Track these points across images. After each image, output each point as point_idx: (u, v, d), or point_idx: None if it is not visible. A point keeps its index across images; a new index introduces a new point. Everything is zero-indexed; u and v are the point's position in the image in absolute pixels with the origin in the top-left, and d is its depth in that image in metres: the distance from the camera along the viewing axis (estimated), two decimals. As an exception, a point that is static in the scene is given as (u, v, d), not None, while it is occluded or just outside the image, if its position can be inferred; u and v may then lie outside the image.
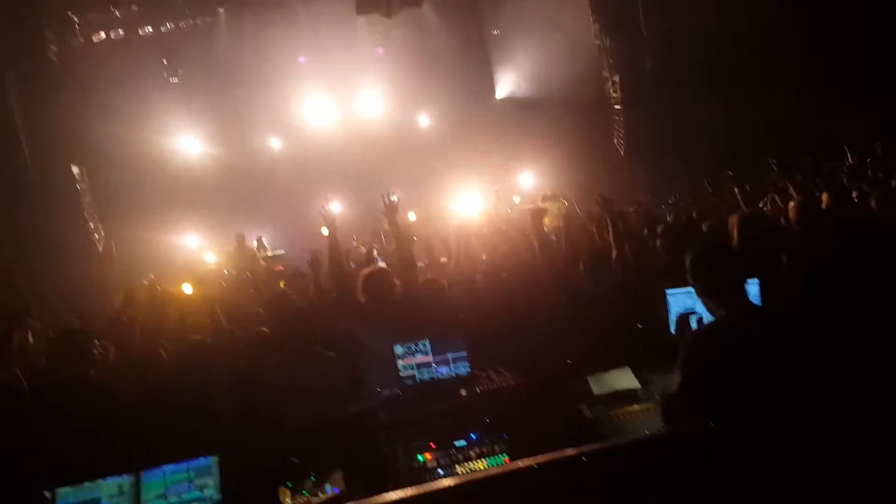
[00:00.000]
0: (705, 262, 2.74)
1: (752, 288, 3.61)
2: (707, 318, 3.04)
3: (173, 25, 12.73)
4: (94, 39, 12.50)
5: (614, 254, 4.82)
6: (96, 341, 4.04)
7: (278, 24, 12.95)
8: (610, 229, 5.15)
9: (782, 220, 5.16)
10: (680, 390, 2.58)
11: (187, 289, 7.46)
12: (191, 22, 12.71)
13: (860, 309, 3.36)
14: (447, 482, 1.97)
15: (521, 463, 2.01)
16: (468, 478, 2.19)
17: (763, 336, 2.59)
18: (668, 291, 3.73)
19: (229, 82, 13.47)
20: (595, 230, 6.02)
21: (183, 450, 2.93)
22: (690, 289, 3.69)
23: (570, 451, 2.02)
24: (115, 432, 3.41)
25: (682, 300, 3.68)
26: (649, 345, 3.60)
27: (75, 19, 12.35)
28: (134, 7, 12.39)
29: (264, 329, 4.80)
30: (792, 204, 4.64)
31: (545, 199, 13.09)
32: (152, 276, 7.43)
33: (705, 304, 2.81)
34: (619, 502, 2.05)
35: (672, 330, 3.55)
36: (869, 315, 3.29)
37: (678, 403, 2.59)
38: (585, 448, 2.04)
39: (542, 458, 1.99)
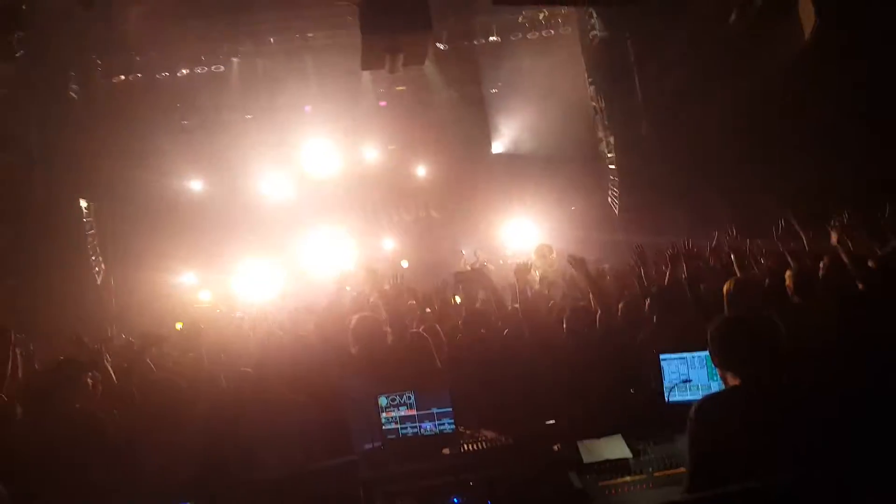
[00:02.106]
0: (720, 330, 2.70)
1: (755, 356, 3.55)
2: (703, 386, 2.97)
3: (188, 71, 13.16)
4: (114, 81, 12.98)
5: (598, 313, 4.76)
6: (90, 373, 3.94)
7: (287, 74, 13.44)
8: (589, 289, 5.11)
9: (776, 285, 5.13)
10: (694, 472, 2.49)
11: (178, 327, 7.39)
12: (205, 69, 13.15)
13: (866, 378, 3.31)
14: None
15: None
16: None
17: (771, 406, 2.53)
18: (663, 357, 3.65)
19: (238, 127, 13.90)
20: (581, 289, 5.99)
21: (157, 495, 2.80)
22: (686, 355, 3.62)
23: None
24: (93, 469, 3.28)
25: (677, 367, 3.61)
26: (643, 412, 3.50)
27: (98, 62, 12.85)
28: (153, 53, 12.82)
29: (248, 370, 4.69)
30: (788, 273, 4.61)
31: (538, 253, 13.15)
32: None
33: (722, 376, 2.74)
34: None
35: (667, 398, 3.47)
36: (877, 385, 3.24)
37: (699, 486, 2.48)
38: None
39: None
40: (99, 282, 11.66)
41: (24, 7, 6.97)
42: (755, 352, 2.65)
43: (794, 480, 2.24)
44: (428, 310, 6.65)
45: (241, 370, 4.76)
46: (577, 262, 5.12)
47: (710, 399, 2.64)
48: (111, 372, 4.61)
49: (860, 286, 4.18)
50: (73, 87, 11.83)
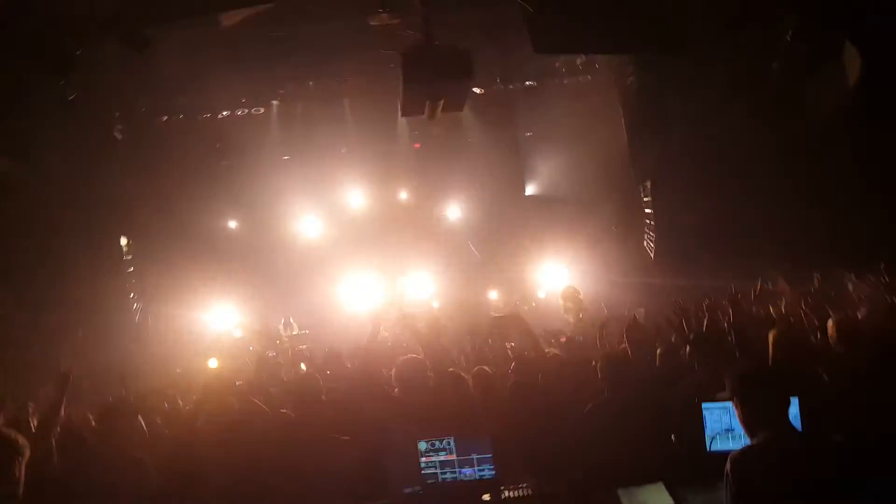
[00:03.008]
0: (752, 378, 2.68)
1: (792, 408, 3.49)
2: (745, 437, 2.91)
3: (229, 113, 13.53)
4: (156, 122, 13.34)
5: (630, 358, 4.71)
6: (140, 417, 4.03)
7: (325, 117, 13.74)
8: (625, 335, 5.07)
9: (818, 336, 5.04)
10: None
11: (213, 363, 7.52)
12: (246, 111, 13.53)
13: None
14: None
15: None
16: None
17: (809, 461, 2.48)
18: (705, 405, 3.61)
19: (275, 167, 14.18)
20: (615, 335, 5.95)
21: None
22: (729, 404, 3.58)
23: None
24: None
25: (720, 416, 3.57)
26: (684, 461, 3.45)
27: (142, 104, 13.21)
28: (196, 95, 13.16)
29: (288, 412, 4.75)
30: (831, 322, 4.53)
31: (565, 295, 13.08)
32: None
33: (745, 423, 2.72)
34: None
35: (708, 447, 3.42)
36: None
37: None
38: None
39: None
40: (137, 318, 11.87)
41: (79, 53, 7.25)
42: (776, 401, 2.61)
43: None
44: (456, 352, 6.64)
45: (281, 412, 4.82)
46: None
47: (746, 452, 2.60)
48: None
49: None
50: (119, 126, 12.21)
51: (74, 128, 10.59)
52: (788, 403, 2.71)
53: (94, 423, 4.02)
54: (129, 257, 12.24)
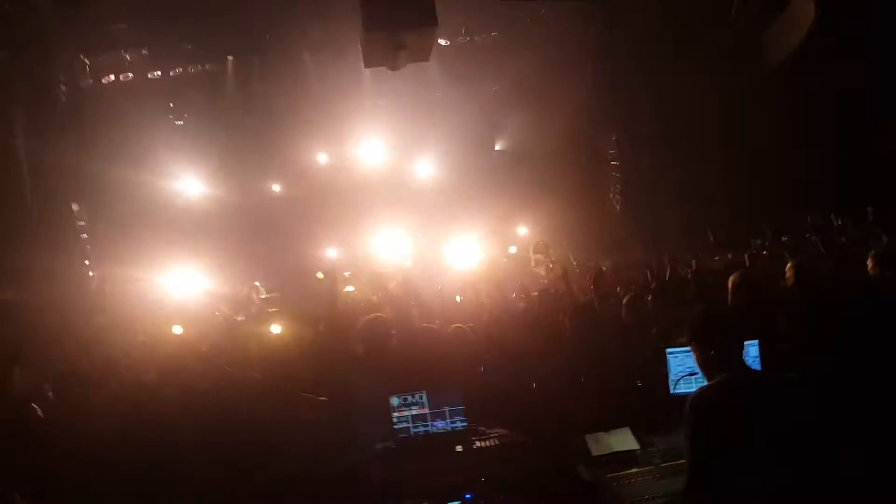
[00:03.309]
0: (707, 321, 2.72)
1: (752, 349, 3.59)
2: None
3: (182, 70, 12.89)
4: (104, 81, 12.65)
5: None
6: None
7: (284, 71, 13.23)
8: (591, 286, 5.15)
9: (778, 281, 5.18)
10: (693, 465, 2.51)
11: (177, 330, 7.39)
12: (199, 67, 12.91)
13: (862, 374, 3.33)
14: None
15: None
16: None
17: (767, 398, 2.55)
18: (669, 350, 3.68)
19: (233, 127, 13.69)
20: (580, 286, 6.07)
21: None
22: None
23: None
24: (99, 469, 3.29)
25: (683, 360, 3.64)
26: (649, 405, 3.55)
27: (86, 61, 12.54)
28: (144, 51, 12.55)
29: (255, 374, 4.72)
30: (789, 265, 4.65)
31: (536, 249, 13.18)
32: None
33: (702, 365, 2.77)
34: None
35: (672, 390, 3.50)
36: (870, 381, 3.26)
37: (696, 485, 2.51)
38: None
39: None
40: (93, 287, 11.49)
41: (6, 6, 6.76)
42: (731, 341, 2.66)
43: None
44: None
45: (248, 374, 4.79)
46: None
47: (703, 392, 2.66)
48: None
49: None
50: (62, 87, 11.55)
51: (14, 90, 10.03)
52: (742, 345, 2.76)
53: (50, 394, 3.93)
54: (82, 223, 11.77)
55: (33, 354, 4.87)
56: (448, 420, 3.62)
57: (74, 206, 11.63)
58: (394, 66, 5.95)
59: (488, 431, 3.59)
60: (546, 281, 10.59)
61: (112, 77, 12.62)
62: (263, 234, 13.66)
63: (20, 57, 9.49)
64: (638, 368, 3.97)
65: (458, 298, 8.59)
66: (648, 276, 6.47)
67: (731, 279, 4.65)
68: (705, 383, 2.73)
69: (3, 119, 9.92)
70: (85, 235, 11.74)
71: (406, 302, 6.06)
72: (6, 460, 3.24)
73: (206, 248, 12.73)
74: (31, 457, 3.35)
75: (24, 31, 8.46)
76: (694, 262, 6.10)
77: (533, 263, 13.18)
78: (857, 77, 7.83)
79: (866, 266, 4.64)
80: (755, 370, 2.94)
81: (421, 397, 3.62)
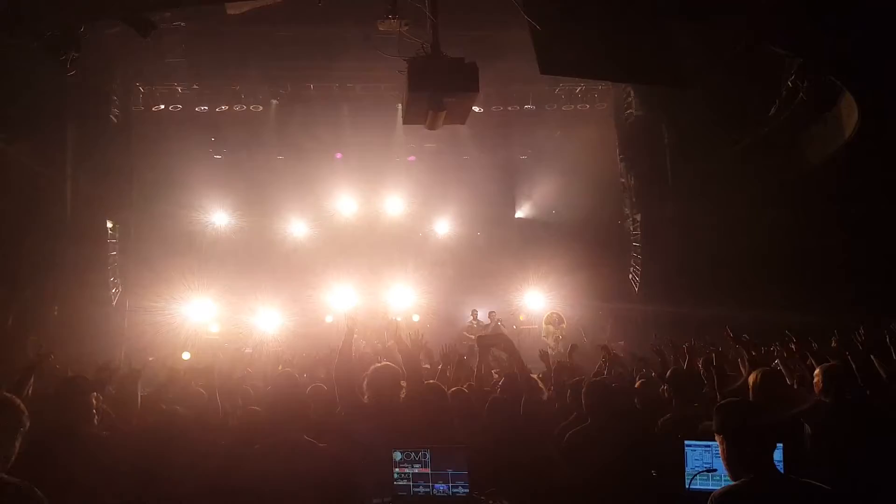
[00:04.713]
0: (745, 413, 2.60)
1: (776, 453, 3.44)
2: (727, 476, 2.85)
3: (227, 107, 13.44)
4: (154, 109, 13.24)
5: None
6: (95, 393, 3.88)
7: (323, 120, 13.68)
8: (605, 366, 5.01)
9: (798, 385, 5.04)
10: None
11: (186, 356, 7.35)
12: (243, 107, 13.46)
13: (886, 488, 3.17)
14: None
15: None
16: None
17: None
18: (688, 443, 3.54)
19: (268, 166, 14.14)
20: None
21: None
22: (712, 443, 3.50)
23: None
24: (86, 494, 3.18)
25: (701, 454, 3.50)
26: (663, 496, 3.38)
27: (141, 90, 13.20)
28: (196, 86, 13.16)
29: (258, 409, 4.62)
30: (818, 371, 4.49)
31: (549, 320, 13.04)
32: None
33: (729, 461, 2.63)
34: None
35: (688, 485, 3.35)
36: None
37: None
38: None
39: None
40: (114, 303, 11.66)
41: (82, 30, 7.17)
42: (760, 440, 2.53)
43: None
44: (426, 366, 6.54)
45: (251, 409, 4.70)
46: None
47: (728, 493, 2.51)
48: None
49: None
50: (115, 111, 12.08)
51: (71, 106, 10.49)
52: (775, 445, 2.64)
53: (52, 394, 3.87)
54: (114, 241, 12.01)
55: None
56: (450, 484, 3.48)
57: (109, 223, 11.91)
58: (431, 126, 6.09)
59: (492, 502, 3.44)
60: (553, 352, 10.41)
61: (162, 106, 13.20)
62: (281, 271, 13.83)
63: (81, 74, 9.93)
64: (653, 456, 3.81)
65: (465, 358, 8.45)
66: (661, 362, 6.30)
67: (751, 376, 4.52)
68: (727, 482, 2.60)
69: (57, 129, 10.30)
70: (114, 253, 11.96)
71: (416, 355, 5.95)
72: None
73: (223, 278, 12.91)
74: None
75: (90, 53, 8.91)
76: (714, 355, 5.94)
77: (543, 333, 13.00)
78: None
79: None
80: (785, 476, 2.80)
81: (425, 455, 3.50)
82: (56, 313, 9.14)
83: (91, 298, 10.68)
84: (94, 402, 3.89)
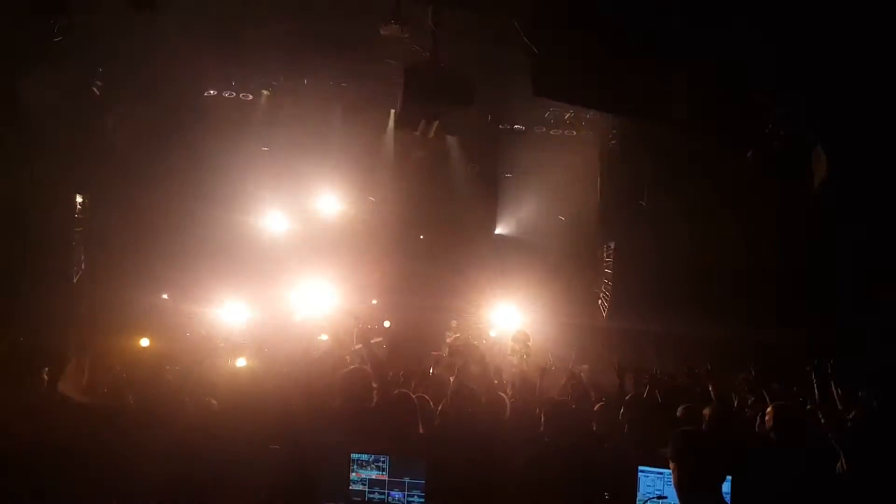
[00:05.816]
0: (700, 442, 2.67)
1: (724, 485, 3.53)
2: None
3: (216, 93, 13.24)
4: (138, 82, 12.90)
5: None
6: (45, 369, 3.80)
7: (313, 118, 13.64)
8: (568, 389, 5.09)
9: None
10: None
11: (144, 342, 7.22)
12: (233, 94, 13.26)
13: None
14: None
15: None
16: None
17: None
18: (641, 469, 3.62)
19: (252, 157, 13.92)
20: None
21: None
22: (665, 471, 3.58)
23: None
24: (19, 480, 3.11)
25: (653, 480, 3.57)
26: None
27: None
28: (184, 70, 12.82)
29: (212, 401, 4.55)
30: (769, 409, 4.63)
31: (516, 338, 13.14)
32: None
33: (680, 488, 2.70)
34: None
35: (638, 510, 3.42)
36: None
37: None
38: None
39: None
40: (75, 280, 11.29)
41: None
42: (713, 470, 2.60)
43: None
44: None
45: (205, 399, 4.58)
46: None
47: None
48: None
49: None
50: (98, 83, 11.76)
51: (55, 74, 10.20)
52: (725, 476, 2.72)
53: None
54: (82, 216, 11.68)
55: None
56: (406, 492, 3.48)
57: (78, 197, 11.60)
58: (423, 133, 6.19)
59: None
60: (516, 370, 10.49)
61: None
62: (254, 263, 13.63)
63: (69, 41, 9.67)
64: (606, 480, 3.87)
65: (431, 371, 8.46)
66: (619, 385, 6.39)
67: (705, 410, 4.65)
68: None
69: (38, 98, 10.02)
70: (80, 228, 11.65)
71: (385, 362, 5.96)
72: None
73: (195, 270, 12.67)
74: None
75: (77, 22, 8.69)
76: (672, 382, 6.07)
77: (509, 351, 13.10)
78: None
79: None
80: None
81: (384, 461, 3.50)
82: (8, 287, 8.80)
83: (48, 273, 10.33)
84: (44, 377, 3.81)
